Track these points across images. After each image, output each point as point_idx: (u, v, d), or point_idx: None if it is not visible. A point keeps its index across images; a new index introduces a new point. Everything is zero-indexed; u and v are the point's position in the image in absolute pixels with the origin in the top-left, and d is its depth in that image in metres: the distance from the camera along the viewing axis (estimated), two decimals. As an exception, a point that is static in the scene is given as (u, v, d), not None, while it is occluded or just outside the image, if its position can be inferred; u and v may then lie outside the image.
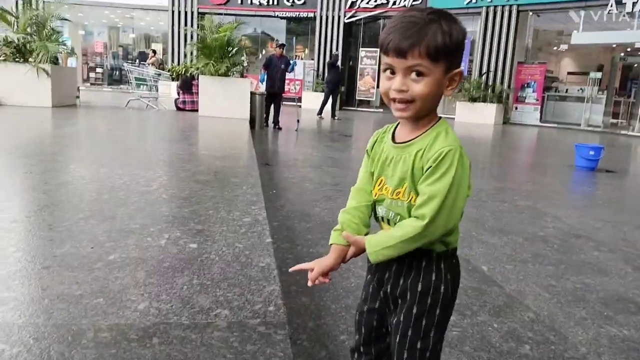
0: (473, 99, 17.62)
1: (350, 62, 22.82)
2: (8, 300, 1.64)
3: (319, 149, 8.44)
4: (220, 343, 1.44)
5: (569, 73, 21.11)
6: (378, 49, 14.39)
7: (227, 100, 10.50)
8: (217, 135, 7.68)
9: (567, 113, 18.88)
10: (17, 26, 10.49)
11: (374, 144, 1.26)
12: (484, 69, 18.74)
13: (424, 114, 1.13)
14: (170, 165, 4.52)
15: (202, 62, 10.73)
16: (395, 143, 1.18)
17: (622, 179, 7.35)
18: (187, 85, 12.00)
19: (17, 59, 10.15)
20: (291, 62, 11.50)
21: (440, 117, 1.17)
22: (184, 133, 7.65)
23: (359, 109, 22.27)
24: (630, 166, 9.35)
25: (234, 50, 11.16)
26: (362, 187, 1.29)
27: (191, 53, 16.86)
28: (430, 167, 1.09)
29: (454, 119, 18.13)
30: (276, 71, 10.80)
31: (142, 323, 1.53)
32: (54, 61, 10.85)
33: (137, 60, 27.55)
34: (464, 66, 19.90)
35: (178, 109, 12.04)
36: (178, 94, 12.32)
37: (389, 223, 1.20)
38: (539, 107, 18.75)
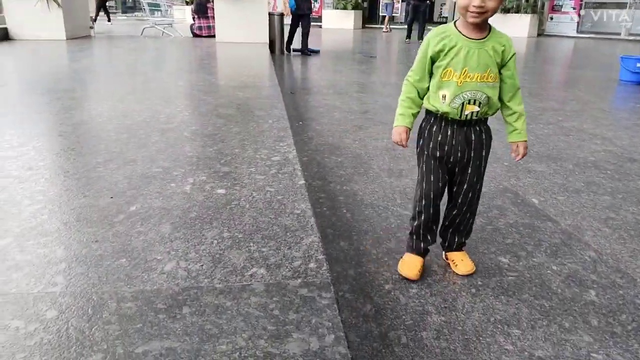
0: (506, 10, 16.45)
1: (372, -24, 21.47)
2: (22, 264, 1.49)
3: (344, 72, 8.02)
4: (259, 311, 1.27)
5: (610, -24, 19.42)
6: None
7: (244, 23, 9.96)
8: (236, 63, 7.32)
9: (607, 22, 17.58)
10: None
11: (443, 45, 1.62)
12: (518, -24, 17.33)
13: (487, 19, 1.61)
14: (190, 99, 4.27)
15: (216, -17, 10.11)
16: (473, 40, 1.61)
17: (673, 92, 6.80)
18: (202, 9, 11.42)
19: (25, -10, 9.71)
20: None
21: None
22: (202, 62, 7.30)
23: (382, 25, 21.21)
24: (680, 78, 8.65)
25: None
26: (421, 85, 1.72)
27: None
28: (513, 55, 1.67)
29: (484, 33, 17.12)
30: None
31: (170, 288, 1.36)
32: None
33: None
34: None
35: (194, 35, 11.56)
36: (193, 19, 11.77)
37: (474, 103, 1.65)
38: (577, 16, 17.48)
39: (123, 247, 1.61)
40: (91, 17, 12.34)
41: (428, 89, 1.71)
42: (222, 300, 1.32)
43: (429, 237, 1.90)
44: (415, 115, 1.76)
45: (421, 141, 1.79)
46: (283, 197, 2.08)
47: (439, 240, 1.98)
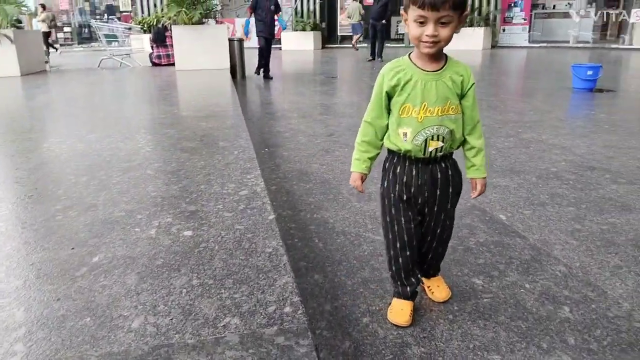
0: (459, 25, 16.97)
1: (329, -4, 21.80)
2: (-22, 333, 1.40)
3: (306, 94, 8.05)
4: (235, 366, 1.22)
5: (555, -13, 20.32)
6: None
7: (204, 50, 9.92)
8: (198, 91, 7.25)
9: (556, 31, 18.32)
10: (-32, -11, 9.68)
11: (398, 79, 1.54)
12: (469, -9, 17.94)
13: (442, 49, 1.51)
14: (152, 133, 4.18)
15: (174, 11, 10.05)
16: (429, 72, 1.54)
17: (623, 98, 7.10)
18: (161, 37, 11.33)
19: (-26, 27, 9.44)
20: (280, 17, 10.17)
21: None
22: (163, 92, 7.21)
23: (341, 45, 21.50)
24: (628, 83, 9.06)
25: (206, -5, 10.44)
26: (379, 123, 1.64)
27: (161, 1, 15.88)
28: (472, 85, 1.59)
29: (440, 47, 17.58)
30: (265, 13, 9.52)
31: (140, 348, 1.30)
32: (17, 25, 10.12)
33: (106, 15, 26.27)
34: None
35: (153, 64, 11.44)
36: (152, 48, 11.66)
37: (438, 139, 1.57)
38: (527, 26, 18.16)
39: (87, 304, 1.53)
40: (45, 51, 12.08)
41: (387, 127, 1.64)
42: (195, 357, 1.26)
43: (413, 280, 1.79)
44: (372, 159, 1.69)
45: (385, 183, 1.70)
46: (253, 234, 2.04)
47: None
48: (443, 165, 1.65)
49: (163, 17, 11.78)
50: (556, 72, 10.43)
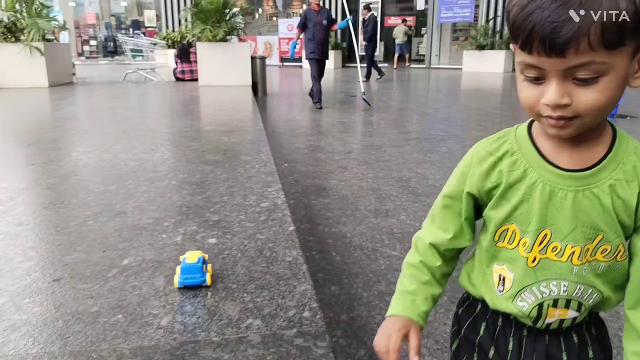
0: (481, 47, 17.13)
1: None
2: (19, 324, 1.50)
3: (325, 112, 8.18)
4: (257, 364, 1.30)
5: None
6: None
7: (227, 67, 10.16)
8: (220, 106, 7.44)
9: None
10: (5, 4, 10.07)
11: (499, 176, 0.78)
12: (491, 14, 18.13)
13: (595, 125, 0.71)
14: (176, 145, 4.33)
15: (199, 28, 10.33)
16: (565, 171, 0.74)
17: (644, 123, 7.08)
18: (185, 53, 11.64)
19: (7, 39, 9.81)
20: (346, 19, 8.47)
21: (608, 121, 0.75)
22: (187, 106, 7.41)
23: (362, 64, 21.69)
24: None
25: (231, 13, 10.71)
26: (448, 242, 0.86)
27: (185, 19, 16.29)
28: None
29: (461, 69, 17.69)
30: (317, 30, 7.98)
31: (168, 344, 1.39)
32: (48, 38, 10.49)
33: (131, 30, 26.98)
34: (469, 12, 19.15)
35: (177, 79, 11.73)
36: (176, 63, 11.98)
37: (567, 306, 0.78)
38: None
39: (118, 302, 1.63)
40: (73, 63, 12.46)
41: (458, 249, 0.88)
42: (220, 353, 1.34)
43: None
44: (434, 300, 0.88)
45: (455, 345, 0.91)
46: (274, 244, 2.13)
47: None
48: (575, 337, 0.83)
49: (187, 33, 12.10)
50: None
